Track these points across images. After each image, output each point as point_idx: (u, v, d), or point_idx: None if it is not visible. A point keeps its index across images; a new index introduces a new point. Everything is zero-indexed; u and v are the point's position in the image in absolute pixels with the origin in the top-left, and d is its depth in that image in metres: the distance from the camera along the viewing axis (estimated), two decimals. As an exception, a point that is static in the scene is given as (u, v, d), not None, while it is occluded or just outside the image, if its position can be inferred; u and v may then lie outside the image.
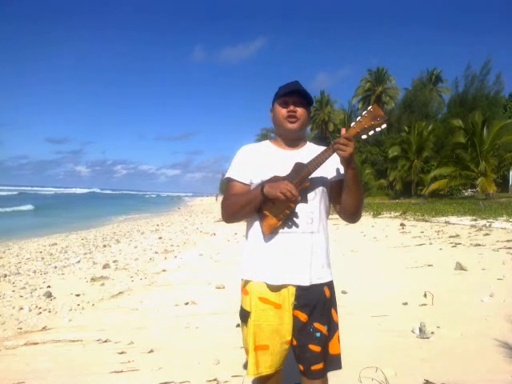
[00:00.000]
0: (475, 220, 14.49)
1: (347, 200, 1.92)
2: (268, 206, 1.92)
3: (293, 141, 2.05)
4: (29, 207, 36.25)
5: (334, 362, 1.99)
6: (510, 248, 8.38)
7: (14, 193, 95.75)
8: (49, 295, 5.86)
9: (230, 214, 2.02)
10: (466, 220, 14.78)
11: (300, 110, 1.98)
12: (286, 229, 1.92)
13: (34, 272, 7.83)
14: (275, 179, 1.91)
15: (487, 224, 13.02)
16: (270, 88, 2.09)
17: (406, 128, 36.48)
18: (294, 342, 1.97)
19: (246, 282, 2.02)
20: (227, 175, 2.07)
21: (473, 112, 28.70)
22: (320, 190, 1.97)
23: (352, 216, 2.01)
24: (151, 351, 3.70)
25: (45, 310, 5.20)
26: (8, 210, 32.09)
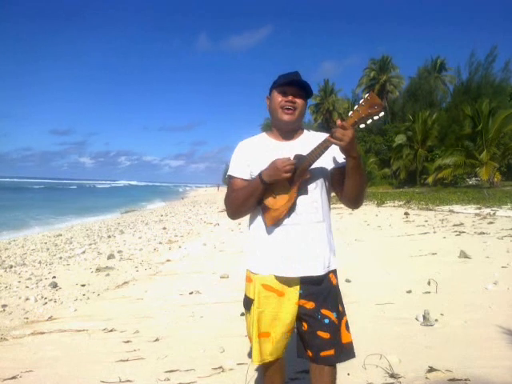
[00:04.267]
0: (479, 208, 14.44)
1: (349, 187, 1.92)
2: (270, 199, 1.92)
3: (289, 132, 2.03)
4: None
5: (348, 351, 1.97)
6: (514, 236, 8.35)
7: (74, 187, 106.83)
8: (54, 285, 5.91)
9: (235, 209, 2.02)
10: (471, 208, 14.73)
11: (298, 101, 1.96)
12: (290, 220, 1.92)
13: (40, 263, 7.89)
14: None
15: (491, 212, 12.98)
16: (275, 77, 2.06)
17: (411, 117, 36.25)
18: (305, 327, 1.96)
19: (250, 272, 2.03)
20: (228, 173, 2.08)
21: (478, 100, 28.41)
22: (320, 179, 1.97)
23: (354, 202, 2.01)
24: (157, 340, 3.73)
25: (50, 300, 5.25)
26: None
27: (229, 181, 2.09)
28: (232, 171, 2.06)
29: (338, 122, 1.77)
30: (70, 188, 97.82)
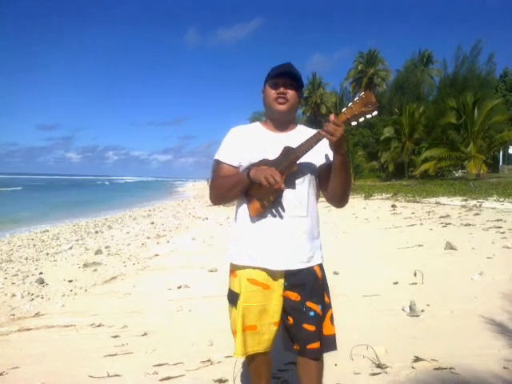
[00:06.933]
0: (465, 200, 14.61)
1: (334, 184, 1.92)
2: (255, 190, 1.91)
3: (282, 123, 2.03)
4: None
5: (329, 343, 2.00)
6: (499, 227, 8.48)
7: (106, 183, 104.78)
8: (41, 282, 5.86)
9: (218, 195, 2.02)
10: (457, 200, 14.90)
11: (290, 92, 1.96)
12: (273, 213, 1.92)
13: (26, 259, 7.82)
14: (264, 163, 1.89)
15: (477, 204, 13.15)
16: (264, 71, 2.07)
17: (397, 110, 36.41)
18: (290, 321, 1.98)
19: (234, 265, 2.03)
20: (216, 157, 2.05)
21: (464, 93, 28.68)
22: (308, 174, 1.97)
23: (339, 200, 2.00)
24: (145, 334, 3.72)
25: (37, 296, 5.20)
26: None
27: (216, 165, 2.06)
28: (220, 156, 2.03)
29: (332, 116, 1.77)
30: (105, 184, 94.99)
